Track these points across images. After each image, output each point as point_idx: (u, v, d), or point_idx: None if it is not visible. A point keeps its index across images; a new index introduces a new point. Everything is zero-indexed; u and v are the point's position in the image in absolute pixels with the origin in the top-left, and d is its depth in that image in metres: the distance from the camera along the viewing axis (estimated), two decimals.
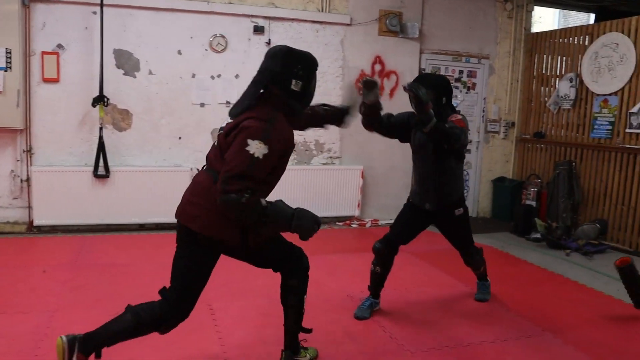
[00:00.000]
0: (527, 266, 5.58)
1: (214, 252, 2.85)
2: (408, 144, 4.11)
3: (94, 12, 6.01)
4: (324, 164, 7.15)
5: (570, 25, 10.21)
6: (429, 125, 3.49)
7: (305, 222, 2.70)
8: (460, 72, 7.77)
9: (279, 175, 2.90)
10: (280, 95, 2.80)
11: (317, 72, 2.97)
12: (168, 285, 2.84)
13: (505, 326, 3.95)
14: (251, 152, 2.58)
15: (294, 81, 2.79)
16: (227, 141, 2.71)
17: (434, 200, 3.98)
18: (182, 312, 2.84)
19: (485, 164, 8.08)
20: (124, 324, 2.78)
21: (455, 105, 4.30)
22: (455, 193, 4.02)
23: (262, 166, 2.61)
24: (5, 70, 5.69)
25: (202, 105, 6.56)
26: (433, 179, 3.94)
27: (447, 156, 3.88)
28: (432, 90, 3.72)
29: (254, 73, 2.92)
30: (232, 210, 2.57)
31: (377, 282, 4.05)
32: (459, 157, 3.99)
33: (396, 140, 4.14)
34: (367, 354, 3.42)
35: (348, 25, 6.99)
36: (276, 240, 3.02)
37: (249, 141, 2.59)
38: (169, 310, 2.80)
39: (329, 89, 6.94)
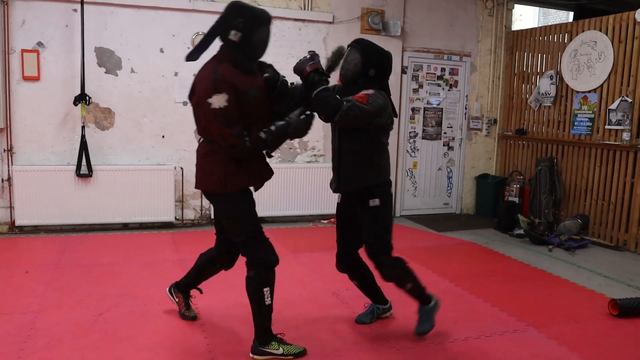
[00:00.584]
0: (511, 262, 5.63)
1: (212, 204, 3.35)
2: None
3: (75, 10, 5.95)
4: (308, 162, 7.15)
5: (550, 23, 10.34)
6: (314, 92, 3.13)
7: (294, 132, 3.08)
8: (443, 69, 7.82)
9: (257, 110, 3.08)
10: (224, 47, 3.06)
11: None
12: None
13: (490, 322, 3.98)
14: (216, 107, 2.91)
15: (232, 32, 2.97)
16: (192, 104, 3.19)
17: (336, 181, 3.46)
18: (221, 253, 3.47)
19: (469, 161, 8.15)
20: (195, 268, 3.64)
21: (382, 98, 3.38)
22: (368, 179, 3.37)
23: (232, 110, 2.92)
24: None
25: (185, 103, 6.51)
26: (338, 157, 3.43)
27: (356, 132, 3.33)
28: (361, 55, 3.39)
29: None
30: (244, 155, 3.02)
31: (365, 292, 3.88)
32: (375, 135, 3.37)
33: None
34: (352, 351, 3.43)
35: (330, 23, 6.99)
36: (243, 221, 3.15)
37: (209, 100, 2.92)
38: (215, 252, 3.52)
39: None
